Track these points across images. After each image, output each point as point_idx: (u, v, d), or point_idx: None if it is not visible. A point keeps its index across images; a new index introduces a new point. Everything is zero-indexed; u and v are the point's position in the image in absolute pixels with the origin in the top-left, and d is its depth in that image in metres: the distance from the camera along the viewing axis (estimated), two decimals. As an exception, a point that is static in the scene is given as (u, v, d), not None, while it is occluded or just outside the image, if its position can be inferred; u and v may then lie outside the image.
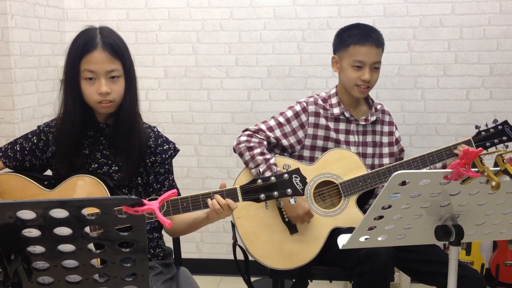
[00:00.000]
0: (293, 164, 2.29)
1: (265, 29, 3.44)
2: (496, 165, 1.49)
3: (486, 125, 2.32)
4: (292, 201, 1.73)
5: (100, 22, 3.69)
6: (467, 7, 3.27)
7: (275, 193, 1.70)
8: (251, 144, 2.29)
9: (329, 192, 2.31)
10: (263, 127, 2.36)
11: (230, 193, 1.72)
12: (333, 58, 2.39)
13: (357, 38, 2.29)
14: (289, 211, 2.22)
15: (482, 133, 2.31)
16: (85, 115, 1.84)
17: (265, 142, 2.32)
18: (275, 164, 2.25)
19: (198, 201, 1.72)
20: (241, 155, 2.31)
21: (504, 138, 2.29)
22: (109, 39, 1.79)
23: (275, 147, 2.38)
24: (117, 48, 1.79)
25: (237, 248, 2.29)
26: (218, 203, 1.70)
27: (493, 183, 1.42)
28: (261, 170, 2.23)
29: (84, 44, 1.77)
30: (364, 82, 2.29)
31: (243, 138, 2.32)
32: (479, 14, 3.27)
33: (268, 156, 2.26)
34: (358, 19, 3.31)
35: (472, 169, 1.44)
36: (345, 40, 2.32)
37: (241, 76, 3.49)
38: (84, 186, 1.81)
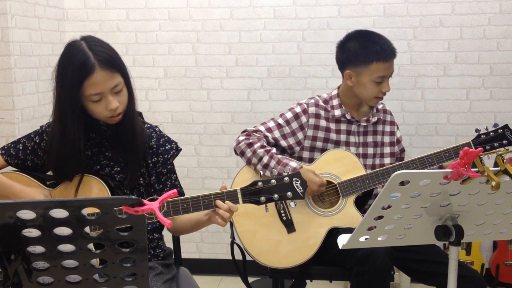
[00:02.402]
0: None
1: (265, 29, 3.44)
2: (496, 165, 1.49)
3: (486, 128, 2.32)
4: (292, 204, 1.72)
5: (100, 22, 3.71)
6: (467, 7, 3.27)
7: (276, 195, 1.69)
8: (250, 141, 2.29)
9: (328, 192, 2.31)
10: (261, 128, 2.36)
11: (230, 195, 1.72)
12: (347, 73, 2.32)
13: (381, 56, 2.25)
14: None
15: (482, 136, 2.31)
16: (86, 121, 1.82)
17: (264, 139, 2.32)
18: (276, 153, 2.26)
19: (199, 203, 1.71)
20: (242, 153, 2.31)
21: (504, 142, 2.29)
22: (102, 55, 1.71)
23: (274, 147, 2.38)
24: (112, 61, 1.73)
25: (236, 248, 2.29)
26: (220, 208, 1.70)
27: (493, 183, 1.42)
28: (265, 161, 2.23)
29: (79, 68, 1.69)
30: (384, 94, 2.31)
31: (242, 138, 2.33)
32: (479, 14, 3.27)
33: (268, 148, 2.28)
34: (358, 19, 3.32)
35: (472, 169, 1.44)
36: (365, 57, 2.26)
37: (241, 76, 3.49)
38: (85, 186, 1.81)
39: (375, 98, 2.31)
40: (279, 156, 2.25)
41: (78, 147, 1.78)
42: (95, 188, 1.79)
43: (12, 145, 1.93)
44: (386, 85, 2.30)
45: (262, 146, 2.28)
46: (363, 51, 2.27)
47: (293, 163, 2.23)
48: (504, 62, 3.29)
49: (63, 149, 1.78)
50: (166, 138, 1.96)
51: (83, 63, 1.69)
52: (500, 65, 3.30)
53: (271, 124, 2.37)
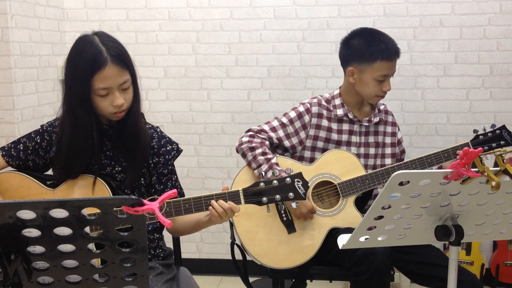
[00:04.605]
0: (293, 165, 2.29)
1: (265, 29, 3.44)
2: (496, 165, 1.49)
3: (484, 129, 2.35)
4: (294, 205, 1.72)
5: (100, 22, 3.70)
6: (467, 7, 3.27)
7: (277, 196, 1.69)
8: (253, 145, 2.29)
9: (328, 192, 2.31)
10: (265, 127, 2.36)
11: (232, 196, 1.72)
12: (349, 70, 2.32)
13: (386, 54, 2.26)
14: (292, 209, 2.23)
15: (480, 137, 2.34)
16: None
17: (267, 142, 2.32)
18: (277, 164, 2.25)
19: (201, 203, 1.72)
20: (243, 155, 2.31)
21: (502, 142, 2.33)
22: (114, 50, 1.75)
23: (277, 147, 2.38)
24: (123, 58, 1.77)
25: (236, 249, 2.29)
26: (221, 207, 1.70)
27: (493, 183, 1.42)
28: (263, 170, 2.22)
29: (92, 61, 1.71)
30: (385, 93, 2.31)
31: (245, 139, 2.32)
32: (479, 14, 3.27)
33: (269, 156, 2.26)
34: (358, 19, 3.32)
35: (472, 169, 1.44)
36: (370, 54, 2.26)
37: (241, 76, 3.49)
38: (86, 186, 1.81)
39: (376, 96, 2.32)
40: (278, 169, 2.24)
41: (91, 137, 1.78)
42: (96, 188, 1.79)
43: (13, 146, 1.93)
44: (388, 84, 2.30)
45: (263, 153, 2.27)
46: (368, 48, 2.27)
47: None
48: (504, 62, 3.29)
49: (76, 140, 1.78)
50: (167, 139, 1.96)
51: (96, 57, 1.72)
52: (500, 65, 3.29)
53: (275, 123, 2.37)
